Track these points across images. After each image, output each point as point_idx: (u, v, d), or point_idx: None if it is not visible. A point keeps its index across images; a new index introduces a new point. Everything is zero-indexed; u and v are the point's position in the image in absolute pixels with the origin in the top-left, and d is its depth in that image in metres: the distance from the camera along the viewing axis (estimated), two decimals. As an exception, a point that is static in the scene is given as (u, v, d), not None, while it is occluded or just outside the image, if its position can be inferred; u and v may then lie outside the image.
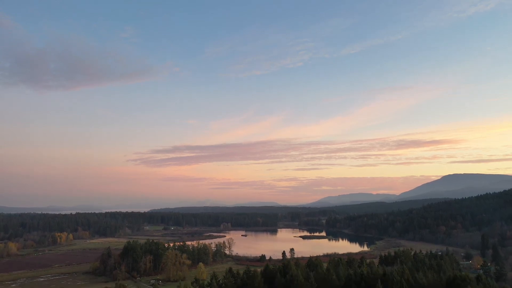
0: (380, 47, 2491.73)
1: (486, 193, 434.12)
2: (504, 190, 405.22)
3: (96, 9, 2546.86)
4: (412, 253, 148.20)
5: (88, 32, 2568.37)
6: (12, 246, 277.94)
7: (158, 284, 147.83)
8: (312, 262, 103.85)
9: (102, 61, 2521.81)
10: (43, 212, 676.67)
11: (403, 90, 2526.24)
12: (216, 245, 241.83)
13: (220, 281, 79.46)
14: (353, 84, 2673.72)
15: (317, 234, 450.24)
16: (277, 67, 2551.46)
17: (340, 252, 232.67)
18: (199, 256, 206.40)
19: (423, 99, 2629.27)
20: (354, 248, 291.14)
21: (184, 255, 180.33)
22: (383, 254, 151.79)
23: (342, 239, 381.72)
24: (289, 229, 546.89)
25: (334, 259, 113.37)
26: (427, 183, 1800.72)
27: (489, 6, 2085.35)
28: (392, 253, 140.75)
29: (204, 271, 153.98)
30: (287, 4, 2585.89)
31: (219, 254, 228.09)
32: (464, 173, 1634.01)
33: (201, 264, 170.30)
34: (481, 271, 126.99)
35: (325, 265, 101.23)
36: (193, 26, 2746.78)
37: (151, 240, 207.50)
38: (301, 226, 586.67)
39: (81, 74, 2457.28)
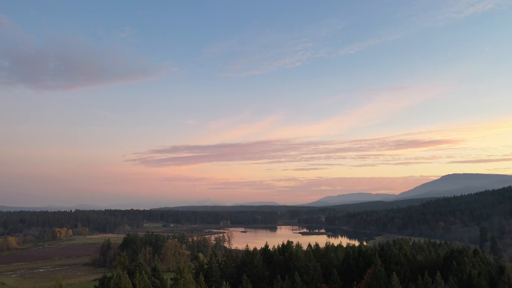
0: (378, 47, 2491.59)
1: (485, 190, 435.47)
2: (503, 187, 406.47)
3: (95, 9, 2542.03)
4: (411, 242, 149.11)
5: (87, 32, 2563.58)
6: (12, 240, 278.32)
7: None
8: (311, 247, 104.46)
9: (100, 61, 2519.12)
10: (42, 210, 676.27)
11: (402, 90, 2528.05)
12: (216, 238, 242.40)
13: (219, 259, 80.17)
14: (352, 84, 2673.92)
15: (316, 231, 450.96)
16: (276, 67, 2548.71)
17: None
18: (199, 248, 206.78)
19: (422, 99, 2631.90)
20: (353, 243, 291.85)
21: (184, 246, 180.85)
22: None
23: (342, 236, 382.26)
24: (289, 226, 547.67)
25: (333, 245, 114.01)
26: (426, 183, 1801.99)
27: (487, 7, 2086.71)
28: (391, 242, 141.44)
29: (204, 261, 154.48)
30: (285, 4, 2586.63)
31: (219, 247, 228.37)
32: (463, 173, 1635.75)
33: (200, 254, 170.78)
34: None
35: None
36: (191, 26, 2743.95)
37: (150, 233, 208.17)
38: (301, 223, 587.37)
39: (79, 74, 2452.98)
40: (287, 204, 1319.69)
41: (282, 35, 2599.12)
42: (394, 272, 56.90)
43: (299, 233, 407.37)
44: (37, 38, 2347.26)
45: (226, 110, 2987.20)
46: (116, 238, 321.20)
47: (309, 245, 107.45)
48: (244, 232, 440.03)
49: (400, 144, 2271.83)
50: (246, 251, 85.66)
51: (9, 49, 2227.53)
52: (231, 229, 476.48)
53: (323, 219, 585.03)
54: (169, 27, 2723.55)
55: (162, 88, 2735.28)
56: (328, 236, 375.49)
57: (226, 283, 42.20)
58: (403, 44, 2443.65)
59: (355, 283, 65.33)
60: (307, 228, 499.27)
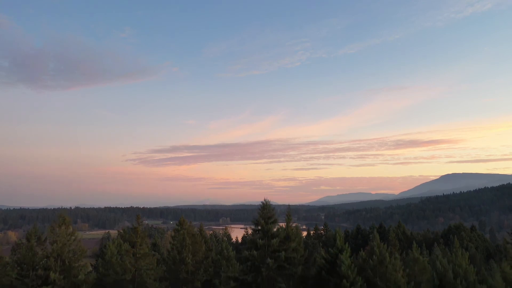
0: (378, 47, 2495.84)
1: (485, 187, 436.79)
2: (502, 184, 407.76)
3: (95, 9, 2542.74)
4: (410, 232, 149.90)
5: (87, 32, 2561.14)
6: (12, 235, 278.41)
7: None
8: (309, 233, 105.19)
9: (100, 61, 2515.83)
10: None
11: (401, 90, 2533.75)
12: (214, 232, 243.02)
13: (220, 239, 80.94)
14: (351, 84, 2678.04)
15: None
16: (275, 67, 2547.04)
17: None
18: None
19: (421, 99, 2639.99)
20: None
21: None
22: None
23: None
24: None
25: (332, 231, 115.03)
26: (426, 183, 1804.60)
27: (486, 7, 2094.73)
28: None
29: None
30: (285, 4, 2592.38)
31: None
32: (462, 173, 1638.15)
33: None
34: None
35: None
36: (191, 26, 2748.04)
37: (150, 225, 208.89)
38: (300, 221, 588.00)
39: (79, 74, 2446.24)
40: (287, 204, 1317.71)
41: (282, 35, 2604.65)
42: (390, 226, 57.58)
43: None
44: (37, 38, 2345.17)
45: (226, 110, 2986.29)
46: (116, 233, 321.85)
47: (308, 230, 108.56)
48: (244, 228, 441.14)
49: (400, 144, 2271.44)
50: (246, 234, 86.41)
51: (9, 49, 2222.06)
52: (231, 225, 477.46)
53: (323, 217, 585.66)
54: (169, 27, 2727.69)
55: (162, 88, 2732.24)
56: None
57: (225, 240, 42.93)
58: (403, 44, 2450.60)
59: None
60: (306, 225, 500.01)
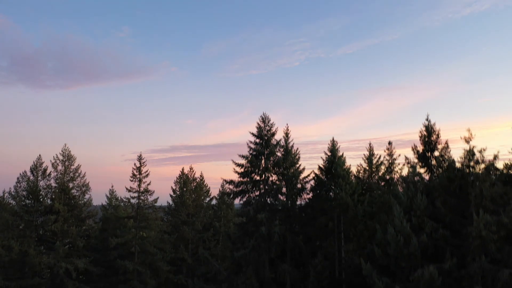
0: (376, 47, 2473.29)
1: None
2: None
3: (93, 8, 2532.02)
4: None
5: (85, 31, 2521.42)
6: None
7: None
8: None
9: (99, 60, 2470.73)
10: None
11: (400, 90, 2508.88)
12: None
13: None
14: (350, 84, 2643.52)
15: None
16: (274, 66, 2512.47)
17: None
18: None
19: (420, 99, 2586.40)
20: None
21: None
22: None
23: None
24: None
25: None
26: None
27: (484, 7, 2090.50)
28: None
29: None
30: (283, 3, 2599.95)
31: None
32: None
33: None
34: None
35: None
36: (190, 26, 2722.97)
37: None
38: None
39: (78, 73, 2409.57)
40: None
41: (280, 35, 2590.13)
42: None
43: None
44: (35, 38, 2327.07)
45: (225, 110, 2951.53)
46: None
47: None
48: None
49: (399, 144, 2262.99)
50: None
51: (8, 49, 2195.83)
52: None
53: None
54: (168, 27, 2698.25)
55: (160, 88, 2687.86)
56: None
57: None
58: (402, 44, 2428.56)
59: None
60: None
